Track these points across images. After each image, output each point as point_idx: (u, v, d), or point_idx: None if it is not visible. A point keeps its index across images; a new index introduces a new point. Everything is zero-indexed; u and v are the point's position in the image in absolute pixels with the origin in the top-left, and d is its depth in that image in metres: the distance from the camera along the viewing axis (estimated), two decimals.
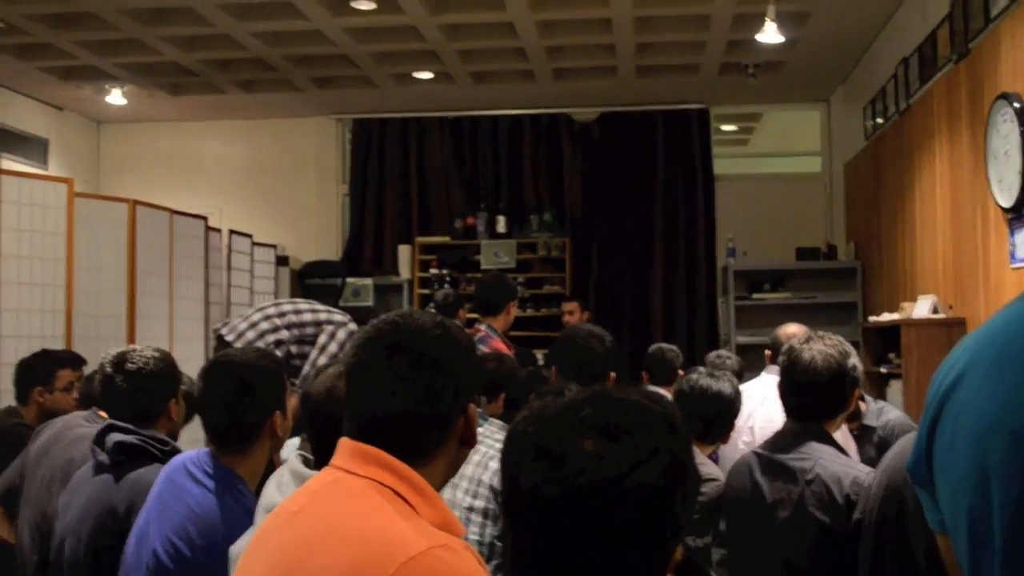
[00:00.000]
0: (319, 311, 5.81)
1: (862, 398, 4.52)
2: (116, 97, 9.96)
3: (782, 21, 6.69)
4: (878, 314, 7.41)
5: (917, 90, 7.03)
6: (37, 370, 4.92)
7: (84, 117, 11.04)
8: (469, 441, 1.79)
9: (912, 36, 7.11)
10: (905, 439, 2.72)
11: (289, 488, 2.26)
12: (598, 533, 1.20)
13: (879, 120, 8.21)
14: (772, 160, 11.55)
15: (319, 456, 2.31)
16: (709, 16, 7.67)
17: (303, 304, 5.93)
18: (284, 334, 5.58)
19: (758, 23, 6.87)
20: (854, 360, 3.10)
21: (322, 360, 5.35)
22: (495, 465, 3.74)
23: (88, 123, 11.18)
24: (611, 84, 9.62)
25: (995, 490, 0.97)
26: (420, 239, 10.51)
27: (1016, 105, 5.02)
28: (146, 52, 8.77)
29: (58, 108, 10.56)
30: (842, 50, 8.65)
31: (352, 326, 5.72)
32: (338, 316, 5.83)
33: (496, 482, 3.74)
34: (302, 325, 5.68)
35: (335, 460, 1.74)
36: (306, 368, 5.42)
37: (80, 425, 4.00)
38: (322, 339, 5.61)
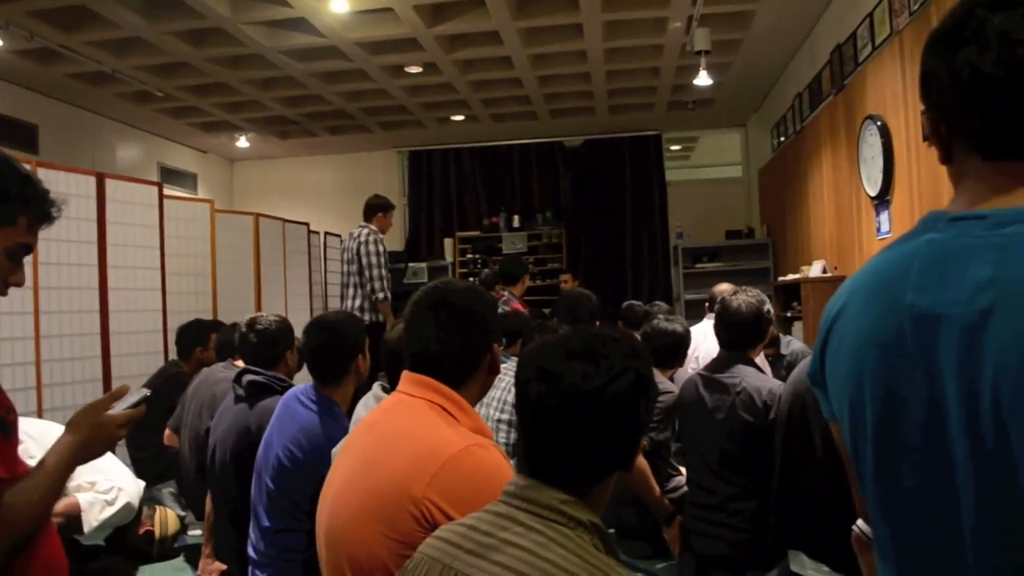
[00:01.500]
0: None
1: (776, 334, 4.50)
2: (243, 142, 9.96)
3: (711, 70, 6.63)
4: (784, 275, 7.36)
5: (808, 115, 6.95)
6: (195, 334, 4.94)
7: (221, 157, 11.03)
8: (495, 370, 1.77)
9: (804, 76, 7.04)
10: (805, 361, 2.70)
11: (371, 408, 2.25)
12: (585, 430, 1.18)
13: (782, 138, 8.14)
14: (707, 170, 11.48)
15: (392, 385, 2.30)
16: (659, 68, 7.61)
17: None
18: None
19: (694, 72, 6.81)
20: (768, 306, 3.07)
21: None
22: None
23: (224, 161, 11.17)
24: (591, 119, 9.56)
25: (867, 388, 0.96)
26: (459, 233, 10.48)
27: (879, 123, 4.98)
28: (262, 109, 8.75)
29: (202, 151, 10.55)
30: (754, 89, 8.57)
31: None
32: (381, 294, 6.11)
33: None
34: None
35: (400, 387, 1.73)
36: None
37: (220, 371, 4.01)
38: None
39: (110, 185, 5.31)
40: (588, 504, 1.20)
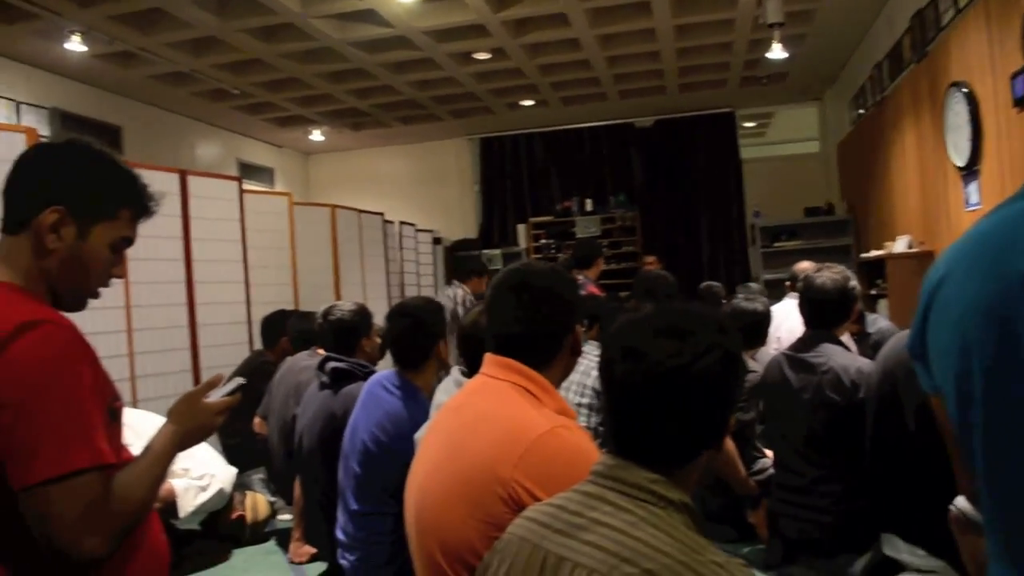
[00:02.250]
0: None
1: (862, 312, 4.38)
2: (317, 136, 10.13)
3: (784, 43, 6.46)
4: (867, 252, 7.15)
5: (888, 85, 6.72)
6: (280, 324, 5.04)
7: (296, 151, 11.24)
8: (577, 351, 1.76)
9: (882, 45, 6.80)
10: (894, 339, 2.62)
11: (452, 391, 2.27)
12: (673, 408, 1.17)
13: (861, 110, 7.89)
14: (783, 146, 11.20)
15: (470, 368, 2.31)
16: (731, 43, 7.45)
17: None
18: None
19: (767, 45, 6.66)
20: (854, 282, 2.99)
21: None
22: (595, 373, 3.72)
23: (299, 155, 11.39)
24: (662, 99, 9.44)
25: (975, 358, 0.92)
26: (532, 219, 10.49)
27: (964, 90, 4.79)
28: (335, 102, 8.89)
29: (278, 146, 10.77)
30: (830, 60, 8.33)
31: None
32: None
33: (597, 385, 3.73)
34: None
35: (483, 369, 1.73)
36: None
37: (303, 360, 4.10)
38: None
39: (192, 182, 5.46)
40: (677, 483, 1.18)
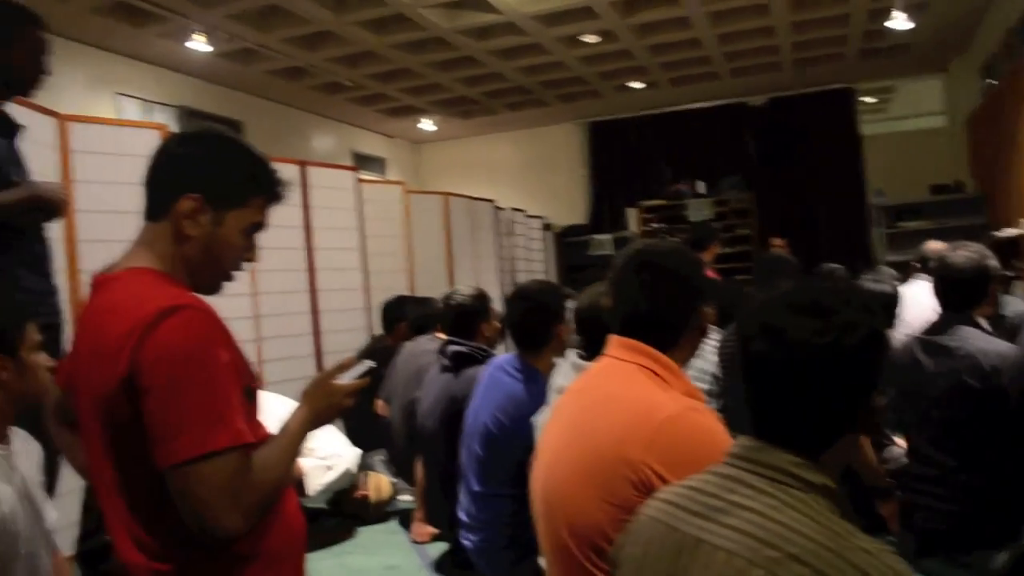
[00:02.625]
0: None
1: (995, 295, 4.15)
2: (427, 125, 10.28)
3: (908, 10, 6.15)
4: (1000, 231, 6.76)
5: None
6: (399, 309, 5.15)
7: (407, 140, 11.44)
8: (703, 332, 1.73)
9: (1016, 7, 6.39)
10: None
11: (570, 375, 2.27)
12: (815, 388, 1.13)
13: (992, 80, 7.44)
14: (905, 121, 10.69)
15: (588, 350, 2.30)
16: (848, 14, 7.15)
17: None
18: None
19: (888, 15, 6.35)
20: (992, 261, 2.83)
21: None
22: (714, 359, 3.65)
23: (410, 144, 11.58)
24: (776, 76, 9.15)
25: None
26: (642, 203, 10.34)
27: None
28: (444, 91, 9.00)
29: (389, 136, 10.99)
30: (957, 29, 7.87)
31: None
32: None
33: (718, 371, 3.65)
34: None
35: (607, 351, 1.72)
36: None
37: (424, 343, 4.17)
38: None
39: (311, 172, 5.63)
40: (821, 466, 1.15)
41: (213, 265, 1.48)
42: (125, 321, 1.31)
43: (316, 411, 1.51)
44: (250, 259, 1.54)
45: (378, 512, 4.21)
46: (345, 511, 4.14)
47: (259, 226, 1.53)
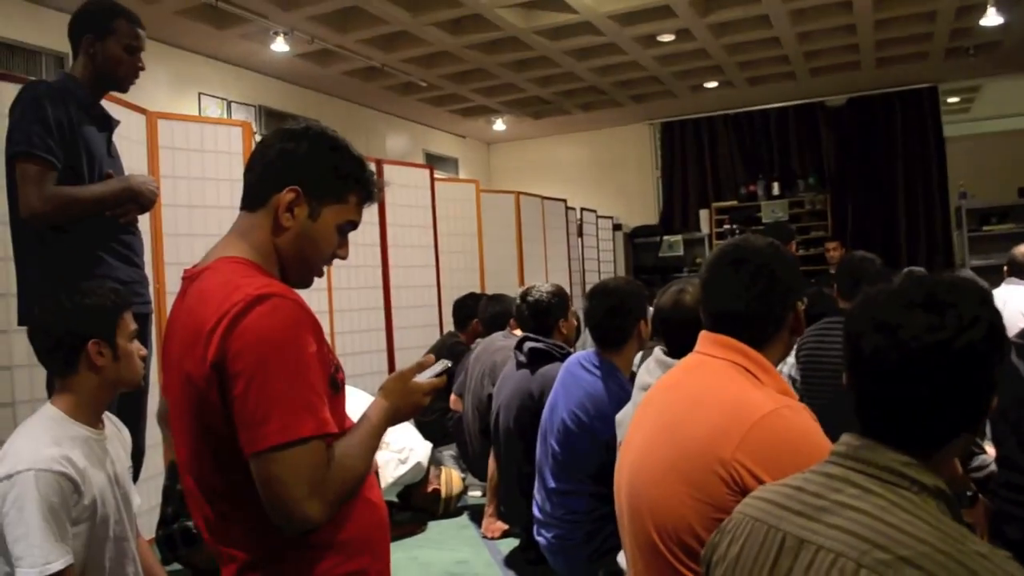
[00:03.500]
0: None
1: None
2: (499, 125, 10.32)
3: (999, 6, 5.93)
4: None
5: None
6: (471, 307, 5.17)
7: (479, 141, 11.50)
8: (798, 330, 1.68)
9: None
10: None
11: (655, 372, 2.23)
12: (930, 386, 1.08)
13: None
14: (991, 122, 10.31)
15: (671, 349, 2.27)
16: (935, 12, 6.93)
17: None
18: None
19: (977, 12, 6.13)
20: None
21: None
22: (792, 360, 3.57)
23: (481, 144, 11.64)
24: (856, 75, 8.93)
25: None
26: (715, 204, 10.22)
27: None
28: (517, 91, 9.01)
29: (461, 136, 11.05)
30: None
31: None
32: None
33: (793, 372, 3.57)
34: None
35: (699, 348, 1.69)
36: None
37: (499, 340, 4.17)
38: None
39: (387, 170, 5.68)
40: (932, 467, 1.09)
41: (305, 258, 1.49)
42: (217, 308, 1.32)
43: (396, 407, 1.51)
44: (342, 256, 1.55)
45: (448, 507, 4.22)
46: (415, 505, 4.16)
47: (353, 224, 1.54)
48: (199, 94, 7.16)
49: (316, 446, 1.30)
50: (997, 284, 4.53)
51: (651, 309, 2.93)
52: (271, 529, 1.32)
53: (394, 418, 1.51)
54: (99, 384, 2.00)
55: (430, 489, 4.16)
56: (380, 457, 3.76)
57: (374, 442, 1.46)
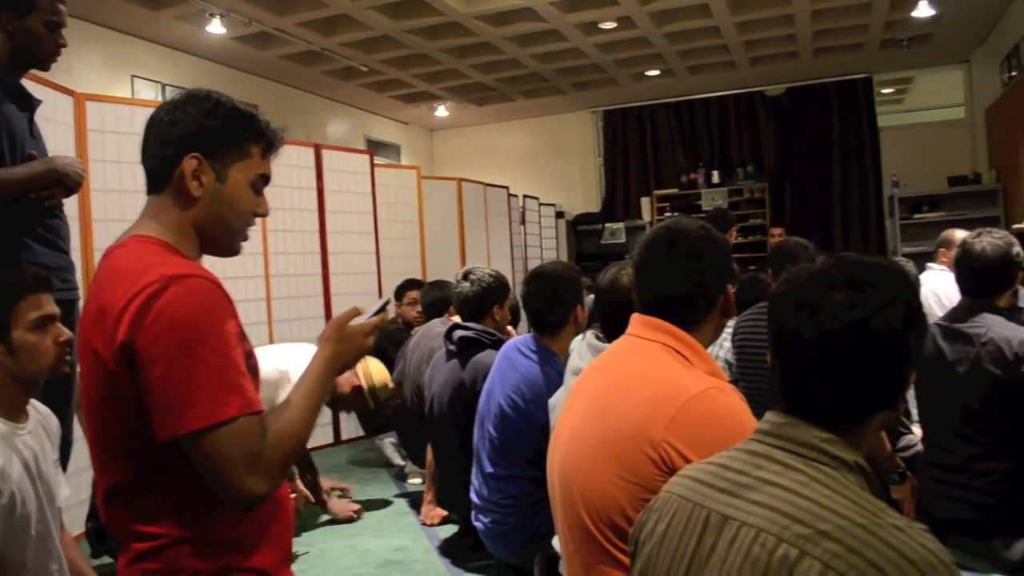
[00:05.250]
0: None
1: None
2: (442, 111, 10.25)
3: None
4: (1019, 223, 6.69)
5: None
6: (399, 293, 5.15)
7: (421, 127, 11.42)
8: (728, 312, 1.70)
9: None
10: None
11: (587, 356, 2.24)
12: (850, 364, 1.10)
13: (1013, 72, 7.36)
14: (923, 113, 10.59)
15: (607, 330, 2.27)
16: (871, 3, 7.07)
17: None
18: None
19: (910, 4, 6.29)
20: (1017, 248, 2.78)
21: None
22: (728, 344, 3.62)
23: (424, 131, 11.56)
24: (795, 65, 9.09)
25: None
26: (656, 192, 10.32)
27: None
28: (459, 78, 8.96)
29: (404, 123, 10.96)
30: (980, 18, 7.78)
31: None
32: None
33: (729, 356, 3.63)
34: None
35: (630, 330, 1.69)
36: None
37: (437, 326, 4.15)
38: None
39: (326, 156, 5.61)
40: (851, 443, 1.11)
41: (225, 224, 1.45)
42: (128, 288, 1.28)
43: (337, 354, 1.46)
44: (262, 213, 1.51)
45: (377, 398, 3.85)
46: (344, 410, 3.96)
47: (266, 178, 1.50)
48: (132, 77, 6.96)
49: (245, 423, 1.27)
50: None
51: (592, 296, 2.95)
52: (170, 519, 1.31)
53: (338, 365, 1.47)
54: (2, 378, 1.92)
55: (349, 389, 3.83)
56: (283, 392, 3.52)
57: (316, 399, 1.41)
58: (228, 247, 1.49)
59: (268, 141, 1.49)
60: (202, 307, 1.29)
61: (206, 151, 1.41)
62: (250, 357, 1.42)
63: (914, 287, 1.14)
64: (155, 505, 1.33)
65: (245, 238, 1.51)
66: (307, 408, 1.39)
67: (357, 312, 1.52)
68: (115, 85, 6.72)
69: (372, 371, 3.87)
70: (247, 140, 1.45)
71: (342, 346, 1.47)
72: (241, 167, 1.45)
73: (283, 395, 3.46)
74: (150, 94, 7.08)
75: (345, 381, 3.81)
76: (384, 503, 4.31)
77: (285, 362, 3.53)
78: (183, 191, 1.41)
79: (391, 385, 3.91)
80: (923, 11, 6.06)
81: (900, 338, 1.10)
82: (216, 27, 6.59)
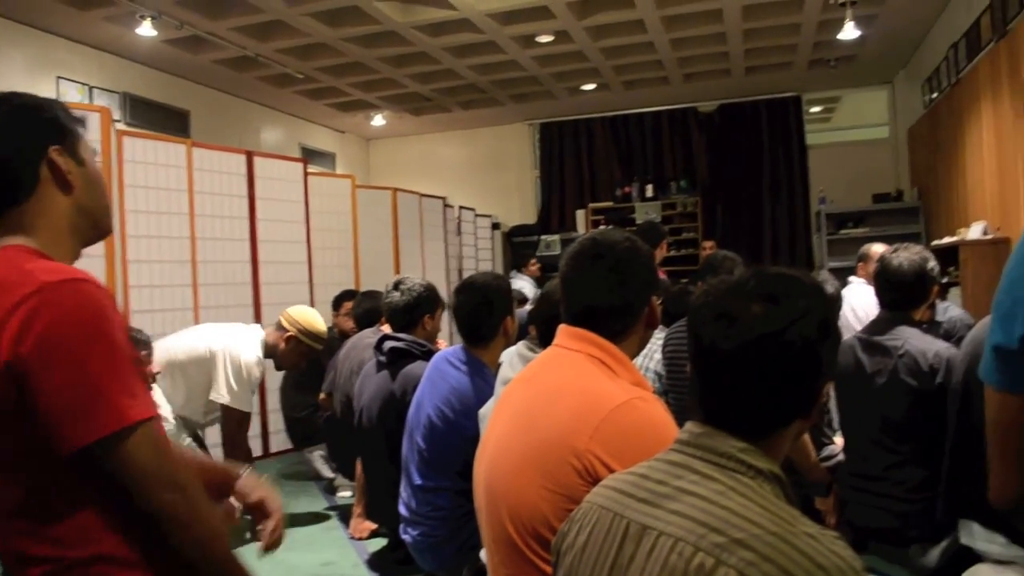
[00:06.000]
0: None
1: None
2: (378, 120, 10.18)
3: (857, 21, 6.29)
4: (938, 239, 6.94)
5: (965, 67, 6.49)
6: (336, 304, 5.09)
7: (357, 136, 11.33)
8: (653, 323, 1.72)
9: (959, 25, 6.57)
10: (982, 323, 2.50)
11: (517, 367, 2.24)
12: (765, 374, 1.12)
13: (934, 94, 7.64)
14: (850, 131, 10.91)
15: (543, 340, 2.28)
16: (799, 24, 7.27)
17: None
18: None
19: (837, 26, 6.51)
20: (932, 263, 2.87)
21: None
22: (658, 356, 3.66)
23: (360, 140, 11.47)
24: (727, 82, 9.28)
25: None
26: (591, 205, 10.41)
27: None
28: (397, 87, 8.92)
29: (340, 131, 10.87)
30: (902, 42, 8.07)
31: None
32: None
33: (659, 368, 3.67)
34: None
35: (556, 341, 1.70)
36: None
37: (368, 337, 4.12)
38: None
39: (258, 163, 5.52)
40: (767, 453, 1.14)
41: (102, 203, 1.45)
42: (4, 301, 1.21)
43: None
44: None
45: (319, 340, 3.87)
46: None
47: (94, 152, 1.51)
48: (57, 78, 6.76)
49: (150, 428, 1.24)
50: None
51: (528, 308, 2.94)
52: (70, 540, 1.25)
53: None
54: None
55: (285, 343, 3.79)
56: None
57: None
58: (108, 226, 1.48)
59: (79, 118, 1.50)
60: (91, 312, 1.23)
61: (60, 142, 1.39)
62: (140, 364, 1.37)
63: (828, 300, 1.17)
64: (53, 526, 1.26)
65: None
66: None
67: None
68: (39, 86, 6.51)
69: (295, 316, 3.84)
70: (73, 121, 1.45)
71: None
72: (82, 146, 1.43)
73: (217, 375, 3.50)
74: (76, 96, 6.88)
75: (276, 339, 3.80)
76: (313, 517, 4.24)
77: (215, 342, 3.62)
78: (59, 186, 1.37)
79: (319, 320, 3.87)
80: (849, 33, 6.27)
81: (814, 350, 1.13)
82: (147, 29, 6.44)
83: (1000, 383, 1.09)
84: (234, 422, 3.56)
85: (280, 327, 3.83)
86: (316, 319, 3.85)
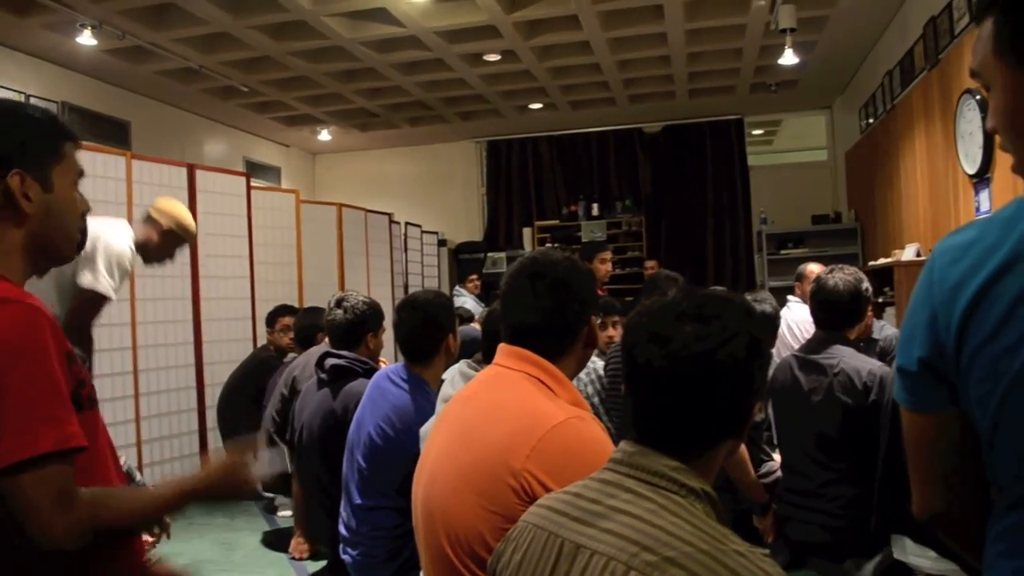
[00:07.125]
0: None
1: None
2: (324, 135, 10.12)
3: (796, 48, 6.46)
4: (874, 260, 7.12)
5: (899, 94, 6.70)
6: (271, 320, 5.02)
7: (303, 151, 11.23)
8: (591, 343, 1.73)
9: (894, 53, 6.78)
10: None
11: (459, 385, 2.24)
12: (697, 394, 1.13)
13: (870, 119, 7.87)
14: (790, 154, 11.18)
15: (487, 358, 2.28)
16: (741, 49, 7.43)
17: None
18: None
19: (777, 52, 6.68)
20: (866, 284, 2.96)
21: None
22: (600, 373, 3.68)
23: (306, 155, 11.37)
24: (671, 104, 9.42)
25: None
26: (538, 222, 10.47)
27: (978, 97, 4.76)
28: (343, 102, 8.87)
29: (285, 145, 10.76)
30: (840, 68, 8.30)
31: None
32: None
33: (591, 392, 3.66)
34: None
35: (496, 359, 1.70)
36: None
37: (313, 355, 4.06)
38: None
39: (200, 176, 5.44)
40: (699, 471, 1.15)
41: (64, 231, 1.40)
42: None
43: (213, 486, 1.42)
44: (87, 210, 1.47)
45: (189, 233, 3.71)
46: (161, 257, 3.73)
47: (82, 173, 1.46)
48: None
49: (58, 465, 1.19)
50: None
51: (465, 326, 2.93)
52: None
53: (206, 495, 1.43)
54: None
55: (157, 237, 3.61)
56: None
57: (162, 506, 1.36)
58: (68, 254, 1.44)
59: (73, 136, 1.44)
60: (19, 332, 1.20)
61: (25, 165, 1.33)
62: (83, 386, 1.32)
63: (758, 321, 1.19)
64: None
65: (78, 237, 1.47)
66: (149, 505, 1.35)
67: (253, 450, 1.48)
68: None
69: (165, 209, 3.65)
70: (59, 141, 1.40)
71: (224, 480, 1.43)
72: (61, 170, 1.39)
73: (100, 261, 3.34)
74: None
75: (147, 233, 3.61)
76: (252, 537, 4.17)
77: (96, 232, 3.32)
78: (13, 212, 1.33)
79: (188, 217, 3.72)
80: (789, 59, 6.44)
81: (744, 370, 1.15)
82: (87, 38, 6.31)
83: (908, 402, 1.13)
84: (97, 310, 3.39)
85: (150, 220, 3.62)
86: (181, 210, 3.69)
